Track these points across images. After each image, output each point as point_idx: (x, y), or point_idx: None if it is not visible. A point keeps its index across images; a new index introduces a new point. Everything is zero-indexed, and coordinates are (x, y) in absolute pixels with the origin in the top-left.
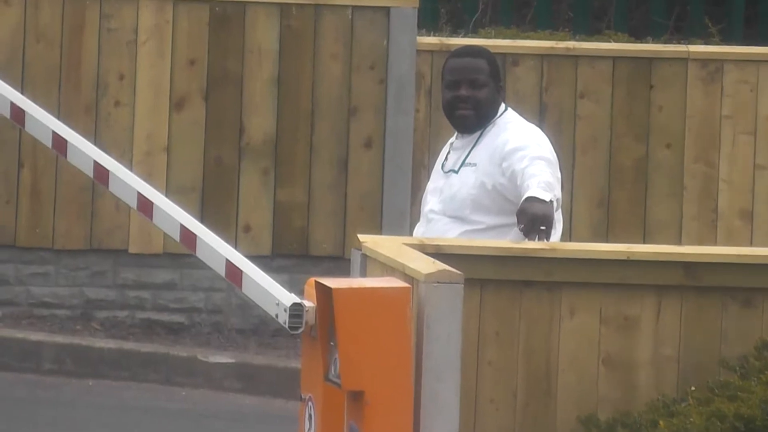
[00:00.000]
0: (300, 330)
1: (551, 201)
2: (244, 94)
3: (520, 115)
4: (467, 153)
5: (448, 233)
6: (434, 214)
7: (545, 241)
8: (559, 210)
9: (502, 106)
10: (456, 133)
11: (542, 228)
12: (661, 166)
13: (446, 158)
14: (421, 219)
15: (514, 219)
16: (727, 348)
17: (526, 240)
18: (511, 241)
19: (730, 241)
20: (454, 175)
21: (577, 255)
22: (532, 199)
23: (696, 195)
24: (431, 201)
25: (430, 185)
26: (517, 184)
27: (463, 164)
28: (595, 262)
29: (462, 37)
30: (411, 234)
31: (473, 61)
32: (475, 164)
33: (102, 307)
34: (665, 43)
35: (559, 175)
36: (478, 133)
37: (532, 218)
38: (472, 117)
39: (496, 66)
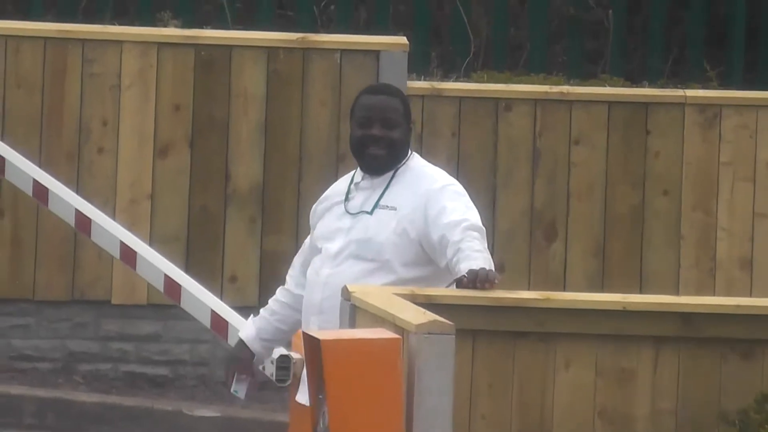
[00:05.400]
0: (287, 382)
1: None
2: (230, 141)
3: (514, 161)
4: (380, 194)
5: (369, 279)
6: (345, 257)
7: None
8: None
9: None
10: (356, 171)
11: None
12: (658, 214)
13: (348, 198)
14: (322, 259)
15: (429, 270)
16: (727, 401)
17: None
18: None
19: (729, 291)
20: (366, 216)
21: (572, 305)
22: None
23: (694, 243)
24: (337, 241)
25: (331, 224)
26: (446, 254)
27: (377, 206)
28: (590, 312)
29: (453, 81)
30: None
31: (388, 99)
32: (394, 208)
33: (84, 359)
34: (662, 87)
35: (483, 238)
36: (389, 174)
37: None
38: (384, 157)
39: (408, 107)
